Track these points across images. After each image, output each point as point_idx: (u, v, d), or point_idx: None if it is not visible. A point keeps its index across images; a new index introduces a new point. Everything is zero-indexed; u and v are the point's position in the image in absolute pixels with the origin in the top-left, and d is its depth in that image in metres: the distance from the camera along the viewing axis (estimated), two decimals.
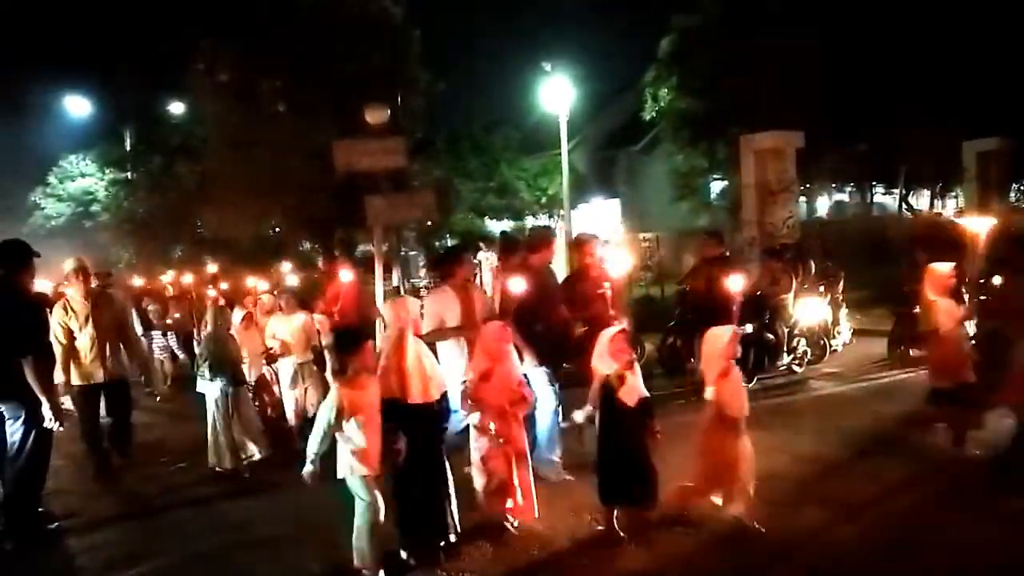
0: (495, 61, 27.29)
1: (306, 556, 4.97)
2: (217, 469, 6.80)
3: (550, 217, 29.08)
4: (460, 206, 25.36)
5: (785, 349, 9.55)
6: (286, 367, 7.69)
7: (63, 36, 22.36)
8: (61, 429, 5.74)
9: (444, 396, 4.92)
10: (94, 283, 7.64)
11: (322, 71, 17.99)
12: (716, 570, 4.57)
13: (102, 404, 7.27)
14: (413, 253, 25.89)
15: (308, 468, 4.42)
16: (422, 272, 23.10)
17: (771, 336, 9.37)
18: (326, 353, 7.80)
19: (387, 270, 12.97)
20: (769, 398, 8.63)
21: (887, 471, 5.80)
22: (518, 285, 5.65)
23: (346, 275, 9.76)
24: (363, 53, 18.34)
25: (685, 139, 19.82)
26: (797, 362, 9.70)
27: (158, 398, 10.86)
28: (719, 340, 5.06)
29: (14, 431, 5.58)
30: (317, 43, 17.95)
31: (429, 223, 21.54)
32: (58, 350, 6.73)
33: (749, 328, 9.02)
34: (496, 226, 26.98)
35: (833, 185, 26.92)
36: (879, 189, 29.13)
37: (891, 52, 17.58)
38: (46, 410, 5.53)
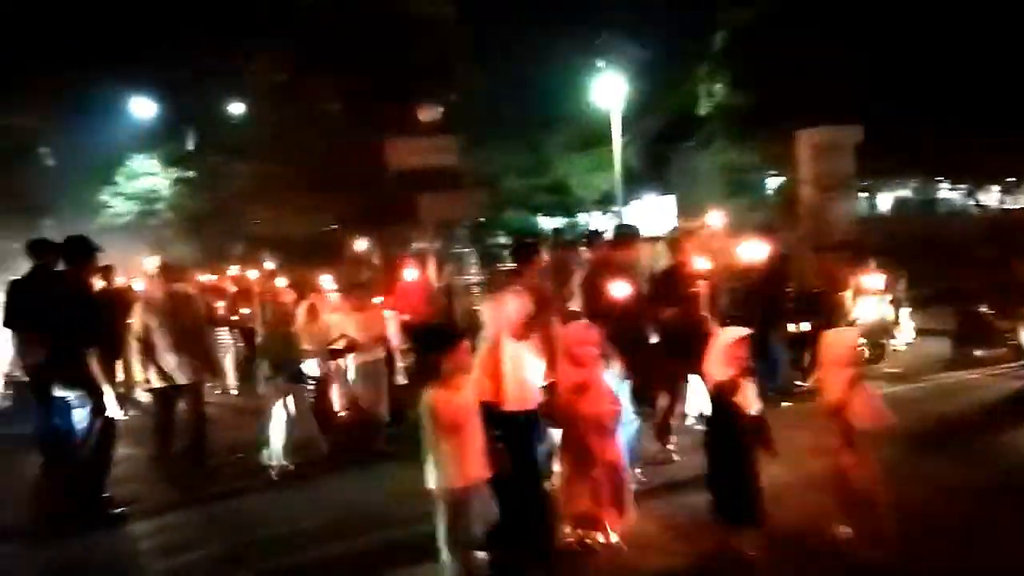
0: (547, 58, 27.20)
1: (353, 549, 5.03)
2: (272, 464, 6.80)
3: (603, 213, 28.94)
4: (511, 203, 25.39)
5: None
6: (353, 364, 7.51)
7: (129, 40, 23.11)
8: (124, 418, 5.94)
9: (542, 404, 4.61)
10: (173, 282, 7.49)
11: (375, 70, 18.22)
12: None
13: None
14: (466, 251, 26.02)
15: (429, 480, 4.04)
16: (473, 269, 23.13)
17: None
18: (395, 351, 7.80)
19: (439, 267, 13.10)
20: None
21: (946, 474, 5.63)
22: (622, 289, 5.36)
23: (412, 271, 9.77)
24: (415, 52, 18.51)
25: (739, 134, 19.53)
26: None
27: (219, 392, 11.10)
28: (841, 343, 4.51)
29: (81, 419, 5.81)
30: (370, 43, 18.19)
31: (481, 220, 21.62)
32: (136, 348, 6.75)
33: (806, 326, 8.86)
34: (547, 223, 26.97)
35: (896, 181, 26.18)
36: (944, 185, 28.21)
37: (957, 42, 17.01)
38: (109, 399, 5.73)
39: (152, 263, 7.32)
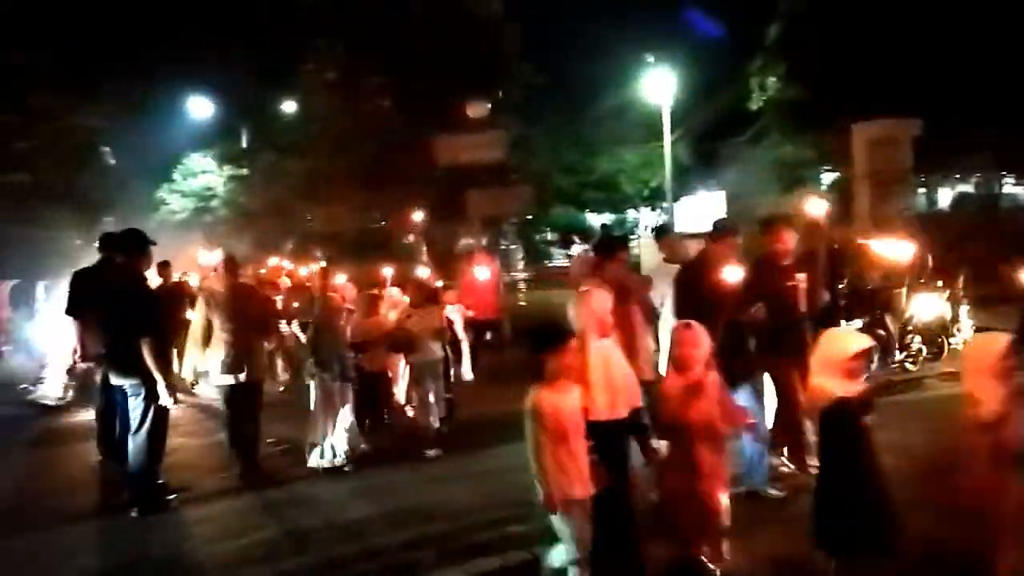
0: (596, 53, 27.04)
1: (394, 544, 5.05)
2: (321, 463, 6.65)
3: (652, 210, 28.70)
4: (559, 199, 25.35)
5: (898, 345, 9.12)
6: (415, 361, 7.25)
7: (187, 41, 23.72)
8: (175, 408, 6.09)
9: (636, 412, 4.12)
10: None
11: (424, 67, 18.36)
12: None
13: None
14: (513, 247, 26.09)
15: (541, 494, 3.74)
16: (520, 265, 23.19)
17: (882, 332, 8.96)
18: (460, 346, 7.70)
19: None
20: (878, 396, 8.24)
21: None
22: (734, 273, 4.92)
23: (480, 266, 9.46)
24: (464, 48, 18.59)
25: (793, 129, 19.13)
26: (911, 359, 9.24)
27: (281, 388, 11.19)
28: (989, 349, 3.76)
29: (135, 407, 5.98)
30: (419, 39, 18.33)
31: (528, 216, 21.64)
32: (198, 341, 6.70)
33: (859, 323, 8.68)
34: (596, 219, 26.85)
35: (956, 176, 25.35)
36: (1008, 179, 27.22)
37: (1021, 31, 16.38)
38: (161, 389, 5.89)
39: (214, 258, 7.39)
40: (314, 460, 6.69)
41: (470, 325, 8.53)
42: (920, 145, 13.13)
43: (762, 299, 5.40)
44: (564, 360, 3.79)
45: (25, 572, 4.93)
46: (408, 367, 7.36)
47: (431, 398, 7.09)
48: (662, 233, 8.17)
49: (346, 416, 6.80)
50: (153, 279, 9.52)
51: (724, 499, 4.12)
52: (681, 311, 5.34)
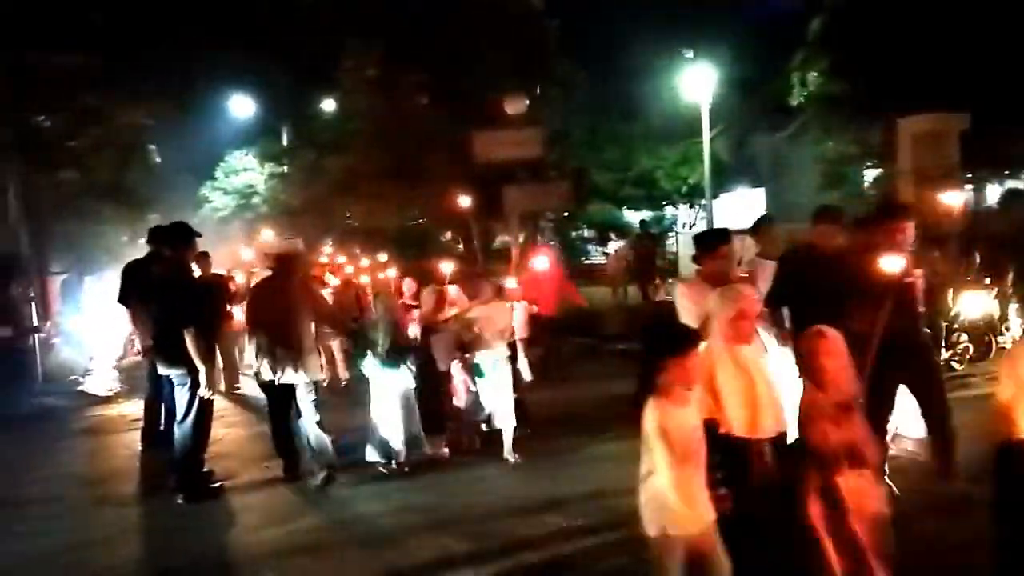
0: (635, 49, 26.86)
1: (448, 541, 5.04)
2: (379, 461, 6.42)
3: (690, 207, 28.44)
4: (597, 196, 25.23)
5: (944, 344, 8.94)
6: (481, 359, 6.71)
7: (228, 40, 24.13)
8: (213, 397, 6.19)
9: (782, 437, 3.60)
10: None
11: (462, 63, 18.43)
12: None
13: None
14: (550, 244, 26.08)
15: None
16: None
17: (928, 330, 8.77)
18: (521, 344, 7.21)
19: (524, 260, 13.15)
20: None
21: None
22: (895, 264, 4.26)
23: (543, 260, 9.04)
24: (502, 45, 18.61)
25: (835, 124, 18.80)
26: (957, 358, 9.06)
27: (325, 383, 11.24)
28: None
29: (181, 397, 6.11)
30: (458, 36, 18.40)
31: (565, 213, 21.60)
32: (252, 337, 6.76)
33: None
34: (633, 216, 26.70)
35: (1005, 172, 24.72)
36: None
37: None
38: (203, 379, 6.01)
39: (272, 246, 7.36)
40: (371, 456, 6.47)
41: (533, 322, 8.08)
42: (968, 140, 12.83)
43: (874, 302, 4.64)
44: (685, 368, 3.24)
45: (75, 555, 5.07)
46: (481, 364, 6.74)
47: (503, 400, 6.65)
48: (763, 223, 7.11)
49: (407, 416, 6.44)
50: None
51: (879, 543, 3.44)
52: (805, 312, 4.54)
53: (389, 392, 6.41)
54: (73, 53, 12.10)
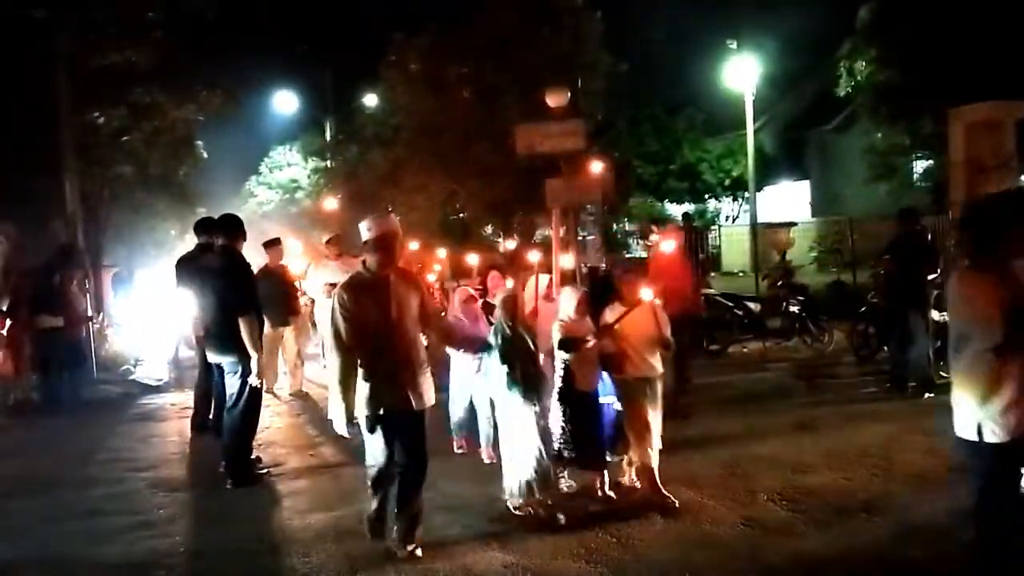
0: (678, 40, 26.68)
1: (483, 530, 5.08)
2: (514, 504, 5.12)
3: (734, 200, 28.11)
4: (640, 189, 25.09)
5: None
6: (625, 379, 5.44)
7: (273, 35, 24.57)
8: (259, 385, 6.30)
9: None
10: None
11: (506, 56, 18.45)
12: None
13: None
14: (591, 237, 25.98)
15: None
16: (597, 255, 23.03)
17: None
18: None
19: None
20: None
21: None
22: None
23: (668, 244, 7.92)
24: (545, 37, 18.59)
25: (885, 115, 18.38)
26: None
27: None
28: None
29: (232, 384, 6.25)
30: (501, 29, 18.42)
31: (607, 206, 21.48)
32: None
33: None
34: (676, 209, 26.47)
35: None
36: None
37: None
38: (254, 366, 6.14)
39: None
40: (514, 498, 5.12)
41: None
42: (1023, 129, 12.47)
43: None
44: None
45: (133, 535, 5.23)
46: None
47: (654, 428, 5.31)
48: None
49: (540, 446, 5.06)
50: (259, 260, 9.91)
51: None
52: None
53: (524, 420, 5.05)
54: (128, 49, 12.44)
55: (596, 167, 9.40)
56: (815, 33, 22.81)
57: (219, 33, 15.01)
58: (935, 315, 8.12)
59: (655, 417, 5.29)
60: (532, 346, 5.21)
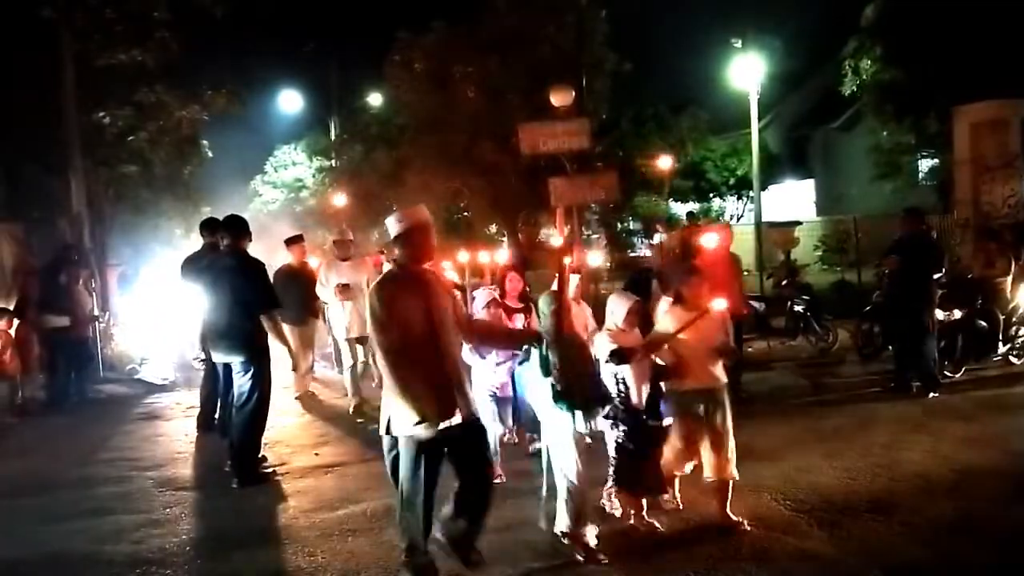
0: (683, 39, 26.67)
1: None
2: (563, 538, 4.51)
3: (738, 199, 28.09)
4: (644, 188, 25.06)
5: (1001, 338, 8.73)
6: (682, 388, 4.85)
7: (278, 34, 24.64)
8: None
9: None
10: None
11: (511, 55, 18.45)
12: None
13: None
14: (595, 236, 25.97)
15: None
16: (602, 253, 23.04)
17: (984, 323, 8.59)
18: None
19: (569, 252, 13.08)
20: (980, 389, 7.96)
21: None
22: None
23: (711, 237, 7.73)
24: (550, 36, 18.59)
25: (890, 113, 18.35)
26: (1016, 353, 8.84)
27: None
28: None
29: (241, 384, 6.28)
30: (506, 28, 18.43)
31: (611, 205, 21.49)
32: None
33: (957, 314, 8.35)
34: (680, 208, 26.45)
35: None
36: None
37: None
38: (289, 353, 6.36)
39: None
40: (561, 525, 4.52)
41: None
42: None
43: None
44: None
45: (142, 533, 5.26)
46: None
47: (726, 442, 4.80)
48: None
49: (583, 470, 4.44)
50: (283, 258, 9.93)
51: None
52: None
53: (571, 440, 4.42)
54: (135, 49, 12.49)
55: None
56: (820, 32, 22.78)
57: (224, 32, 15.04)
58: (939, 314, 8.12)
59: (725, 430, 4.78)
60: (586, 357, 4.60)
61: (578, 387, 4.34)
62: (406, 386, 3.88)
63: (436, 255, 4.30)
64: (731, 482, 4.79)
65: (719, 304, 4.72)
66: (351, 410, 8.49)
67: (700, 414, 4.77)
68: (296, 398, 9.45)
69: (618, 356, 4.57)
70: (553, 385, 4.31)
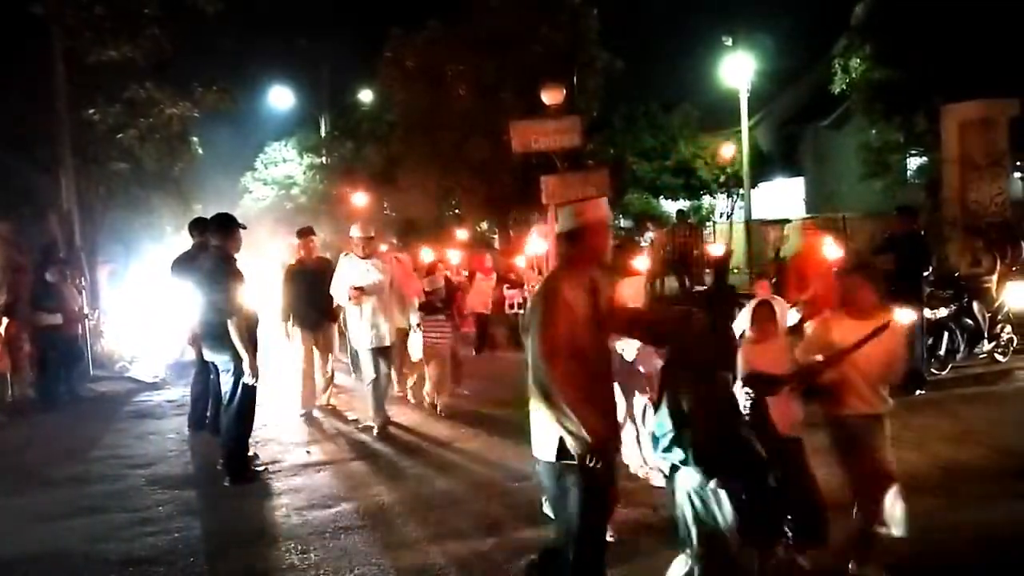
0: (674, 37, 26.73)
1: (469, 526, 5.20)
2: None
3: (728, 196, 28.17)
4: (635, 185, 25.13)
5: (987, 335, 8.81)
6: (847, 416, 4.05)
7: (270, 32, 24.55)
8: (255, 383, 6.35)
9: None
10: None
11: (503, 53, 18.46)
12: None
13: None
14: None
15: None
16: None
17: (970, 321, 8.67)
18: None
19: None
20: (965, 386, 8.04)
21: None
22: None
23: (830, 247, 7.18)
24: (542, 34, 18.60)
25: (879, 112, 18.46)
26: (1001, 350, 8.92)
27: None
28: None
29: (227, 383, 6.30)
30: (499, 26, 18.43)
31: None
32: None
33: (943, 312, 8.43)
34: (671, 206, 26.53)
35: None
36: None
37: None
38: (247, 367, 6.14)
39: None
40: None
41: None
42: (1018, 127, 12.54)
43: None
44: None
45: (135, 531, 5.28)
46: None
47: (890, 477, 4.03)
48: None
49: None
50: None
51: None
52: None
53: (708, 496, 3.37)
54: (126, 46, 12.44)
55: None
56: (811, 30, 22.85)
57: (215, 29, 14.97)
58: (927, 312, 8.20)
59: (890, 463, 4.04)
60: (733, 399, 3.54)
61: (714, 440, 3.29)
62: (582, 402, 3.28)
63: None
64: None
65: (905, 316, 4.06)
66: (376, 431, 7.52)
67: (876, 441, 4.01)
68: (302, 415, 8.39)
69: (761, 384, 3.67)
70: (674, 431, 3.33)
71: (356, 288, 7.41)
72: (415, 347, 8.27)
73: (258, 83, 28.47)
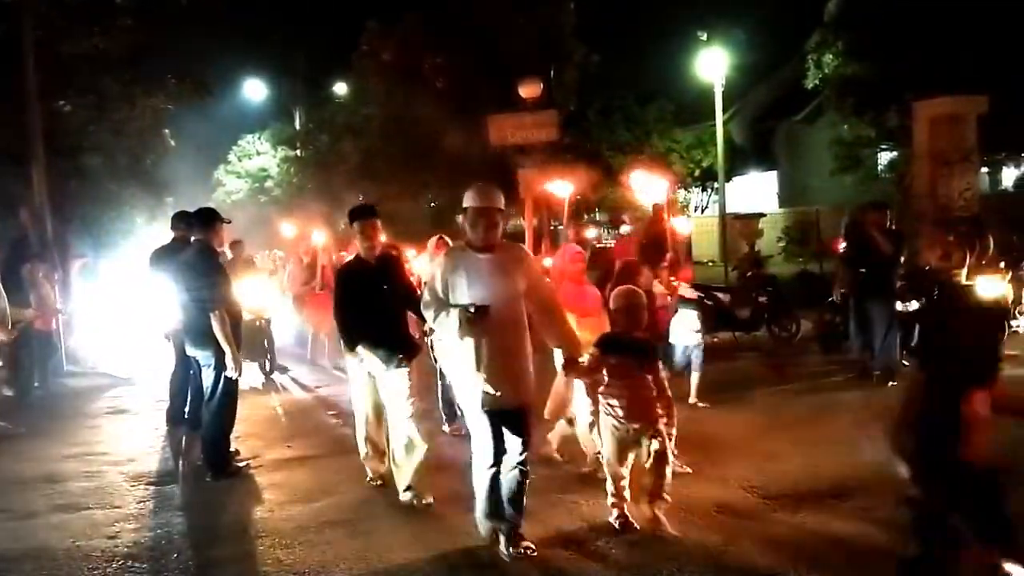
0: (649, 31, 26.88)
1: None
2: None
3: (703, 190, 28.43)
4: (611, 179, 25.27)
5: None
6: None
7: (245, 24, 24.28)
8: (239, 377, 6.32)
9: None
10: None
11: (480, 47, 18.45)
12: None
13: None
14: (562, 227, 26.10)
15: None
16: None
17: None
18: None
19: (538, 244, 13.22)
20: None
21: None
22: None
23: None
24: (519, 28, 18.62)
25: (851, 107, 18.73)
26: None
27: None
28: None
29: (208, 378, 6.26)
30: (475, 20, 18.42)
31: (579, 196, 21.63)
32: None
33: (914, 305, 8.58)
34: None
35: (1022, 155, 24.54)
36: None
37: None
38: (229, 361, 6.14)
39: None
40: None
41: None
42: (986, 123, 12.78)
43: None
44: None
45: (115, 528, 5.24)
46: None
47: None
48: None
49: None
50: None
51: None
52: None
53: None
54: (98, 37, 12.26)
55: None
56: (785, 25, 23.10)
57: (189, 20, 14.80)
58: (899, 305, 8.36)
59: None
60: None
61: None
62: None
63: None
64: None
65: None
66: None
67: None
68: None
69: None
70: None
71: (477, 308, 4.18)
72: None
73: (232, 75, 28.22)
